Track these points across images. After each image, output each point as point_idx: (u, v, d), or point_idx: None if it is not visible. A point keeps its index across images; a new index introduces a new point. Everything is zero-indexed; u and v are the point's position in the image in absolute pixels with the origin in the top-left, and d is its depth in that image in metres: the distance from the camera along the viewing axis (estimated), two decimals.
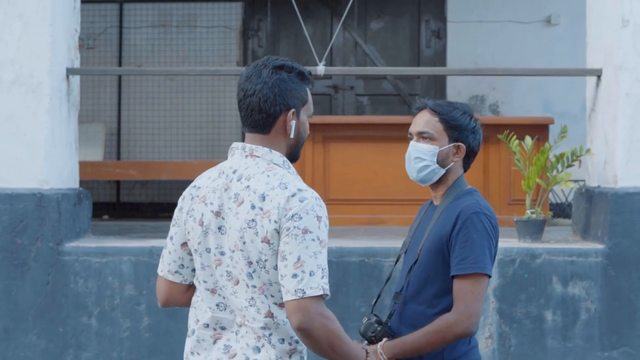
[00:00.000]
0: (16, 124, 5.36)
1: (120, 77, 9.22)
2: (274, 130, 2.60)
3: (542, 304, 5.26)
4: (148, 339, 5.28)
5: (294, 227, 2.43)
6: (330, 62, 9.31)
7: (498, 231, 2.88)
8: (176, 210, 2.72)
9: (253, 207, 2.49)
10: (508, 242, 5.41)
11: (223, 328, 2.59)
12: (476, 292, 2.78)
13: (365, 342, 2.99)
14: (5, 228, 5.27)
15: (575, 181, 5.75)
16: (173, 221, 2.73)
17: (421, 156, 2.96)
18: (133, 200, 9.23)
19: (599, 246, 5.30)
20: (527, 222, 5.45)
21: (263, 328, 2.51)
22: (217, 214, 2.56)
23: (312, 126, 7.40)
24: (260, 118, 2.60)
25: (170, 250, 2.72)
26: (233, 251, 2.53)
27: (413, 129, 3.01)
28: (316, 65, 9.35)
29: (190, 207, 2.64)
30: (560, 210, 8.22)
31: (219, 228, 2.56)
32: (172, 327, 5.27)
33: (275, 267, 2.47)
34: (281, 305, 2.51)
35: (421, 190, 7.18)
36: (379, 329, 2.94)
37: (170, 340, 5.28)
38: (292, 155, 2.66)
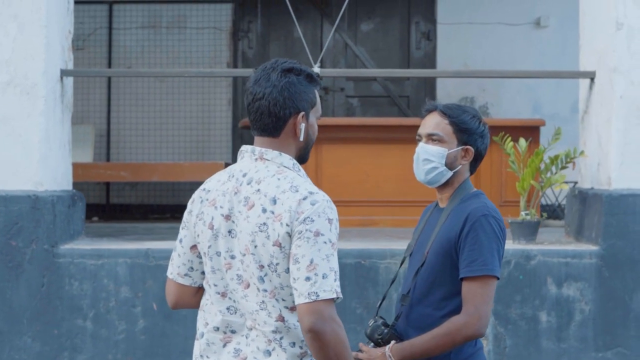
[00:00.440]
0: (11, 126, 5.34)
1: (109, 78, 9.19)
2: (283, 133, 2.60)
3: (536, 305, 5.29)
4: (143, 342, 5.26)
5: (306, 230, 2.43)
6: (320, 65, 9.31)
7: (505, 233, 2.89)
8: (185, 213, 2.71)
9: (264, 210, 2.49)
10: None
11: (233, 332, 2.59)
12: (485, 294, 2.80)
13: (372, 344, 3.00)
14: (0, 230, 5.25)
15: (569, 183, 5.77)
16: (182, 224, 2.72)
17: (430, 158, 2.97)
18: (123, 202, 9.22)
19: (593, 248, 5.34)
20: (521, 223, 5.48)
21: (274, 332, 2.51)
22: (227, 217, 2.56)
23: None
24: (269, 121, 2.59)
25: (179, 253, 2.71)
26: (244, 255, 2.52)
27: (422, 130, 3.02)
28: (309, 67, 9.37)
29: (200, 210, 2.63)
30: (551, 212, 8.27)
31: (229, 231, 2.56)
32: (168, 329, 5.26)
33: (287, 271, 2.47)
34: (292, 309, 2.51)
35: (413, 192, 7.27)
36: (385, 331, 2.95)
37: (166, 342, 5.26)
38: (301, 158, 2.66)
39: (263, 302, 2.51)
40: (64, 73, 5.61)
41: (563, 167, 5.55)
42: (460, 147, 2.97)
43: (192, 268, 2.70)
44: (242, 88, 9.45)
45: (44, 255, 5.26)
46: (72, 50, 5.84)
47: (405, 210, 7.18)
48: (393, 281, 3.20)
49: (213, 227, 2.58)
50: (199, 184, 9.31)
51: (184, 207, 9.33)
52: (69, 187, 5.74)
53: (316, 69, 5.82)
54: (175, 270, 2.72)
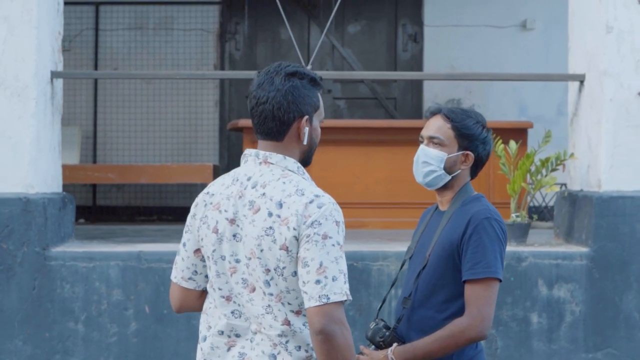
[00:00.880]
0: (1, 128, 5.31)
1: (96, 79, 9.16)
2: (287, 137, 2.61)
3: (527, 307, 5.32)
4: (136, 344, 5.25)
5: (314, 234, 2.43)
6: (311, 66, 9.33)
7: (507, 236, 2.91)
8: (189, 217, 2.71)
9: (270, 214, 2.49)
10: None
11: (238, 335, 2.59)
12: (488, 296, 2.81)
13: (373, 346, 3.01)
14: None
15: (558, 185, 5.81)
16: (186, 228, 2.72)
17: (429, 161, 2.98)
18: (109, 203, 9.19)
19: (584, 249, 5.37)
20: (512, 225, 5.50)
21: (280, 336, 2.52)
22: (232, 221, 2.56)
23: None
24: (273, 125, 2.60)
25: (183, 257, 2.71)
26: (249, 259, 2.53)
27: (425, 132, 3.03)
28: None
29: (204, 214, 2.63)
30: (538, 213, 8.30)
31: (234, 235, 2.56)
32: (160, 332, 5.25)
33: (293, 274, 2.48)
34: (298, 313, 2.52)
35: (402, 194, 7.29)
36: (387, 333, 2.96)
37: (158, 345, 5.25)
38: (305, 161, 2.67)
39: (269, 306, 2.52)
40: (54, 75, 5.58)
41: (553, 170, 5.58)
42: (460, 152, 2.98)
43: (196, 272, 2.70)
44: (229, 90, 9.45)
45: (35, 258, 5.24)
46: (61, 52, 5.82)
47: (395, 212, 7.21)
48: (393, 284, 3.21)
49: (217, 231, 2.58)
50: (186, 186, 9.30)
51: (170, 209, 9.34)
52: (59, 189, 5.72)
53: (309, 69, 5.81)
54: (179, 274, 2.72)
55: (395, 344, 2.92)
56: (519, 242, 5.51)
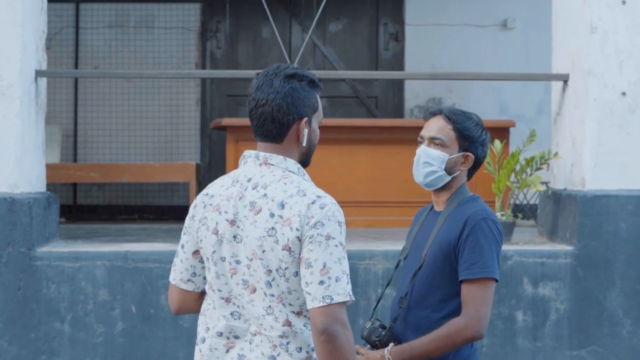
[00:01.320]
0: None
1: (76, 78, 9.10)
2: (286, 139, 2.62)
3: (513, 305, 5.36)
4: (122, 344, 5.23)
5: (317, 235, 2.44)
6: (298, 65, 9.32)
7: (503, 236, 2.94)
8: (187, 219, 2.71)
9: (272, 215, 2.50)
10: None
11: (237, 337, 2.59)
12: (485, 296, 2.84)
13: (369, 346, 3.02)
14: None
15: (545, 183, 5.85)
16: (184, 229, 2.72)
17: (430, 161, 3.00)
18: (90, 202, 9.14)
19: (568, 248, 5.41)
20: None
21: (281, 337, 2.52)
22: (232, 222, 2.56)
23: None
24: (273, 127, 2.61)
25: (182, 259, 2.71)
26: (251, 260, 2.53)
27: (425, 133, 3.05)
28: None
29: (203, 215, 2.63)
30: (519, 212, 8.36)
31: (234, 237, 2.56)
32: (147, 332, 5.24)
33: (295, 275, 2.49)
34: (298, 313, 2.53)
35: (384, 193, 7.31)
36: (383, 333, 2.98)
37: (144, 345, 5.24)
38: (304, 163, 2.68)
39: (270, 307, 2.52)
40: (38, 74, 5.55)
41: (538, 169, 5.62)
42: (461, 153, 3.01)
43: (194, 273, 2.70)
44: (210, 88, 9.42)
45: (21, 258, 5.21)
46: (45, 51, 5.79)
47: (378, 211, 7.23)
48: (388, 284, 3.23)
49: (218, 232, 2.58)
50: (168, 184, 9.27)
51: (152, 207, 9.31)
52: (43, 188, 5.69)
53: None
54: (178, 276, 2.72)
55: (391, 344, 2.94)
56: (504, 240, 5.52)
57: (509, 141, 6.98)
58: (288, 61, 6.61)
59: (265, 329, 2.54)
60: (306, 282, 2.45)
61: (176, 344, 5.23)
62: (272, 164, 2.59)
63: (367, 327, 3.02)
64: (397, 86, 9.38)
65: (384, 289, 3.22)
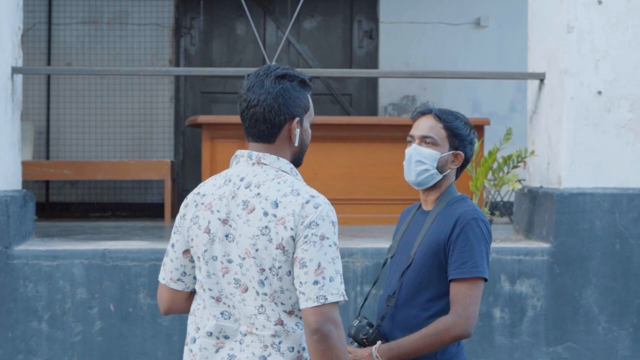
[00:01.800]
0: None
1: (49, 74, 9.03)
2: (278, 139, 2.63)
3: (490, 302, 5.40)
4: (100, 343, 5.21)
5: (312, 235, 2.45)
6: (263, 62, 9.32)
7: (492, 237, 2.96)
8: (178, 218, 2.70)
9: (266, 214, 2.50)
10: None
11: (226, 337, 2.59)
12: (474, 295, 2.86)
13: (356, 344, 3.03)
14: None
15: (519, 181, 5.90)
16: (174, 228, 2.71)
17: (422, 160, 3.02)
18: (63, 200, 9.07)
19: (545, 245, 5.46)
20: None
21: (273, 336, 2.53)
22: (225, 221, 2.57)
23: None
24: (265, 128, 2.61)
25: (172, 258, 2.71)
26: (243, 258, 2.53)
27: (416, 132, 3.06)
28: (251, 64, 9.35)
29: (195, 214, 2.63)
30: (493, 209, 8.42)
31: (227, 235, 2.56)
32: (125, 330, 5.22)
33: (288, 274, 2.49)
34: (290, 313, 2.53)
35: (361, 190, 7.34)
36: (370, 331, 2.99)
37: (123, 343, 5.22)
38: (295, 162, 2.69)
39: (262, 306, 2.53)
40: (15, 70, 5.50)
41: (515, 167, 5.66)
42: (451, 152, 3.03)
43: (184, 273, 2.70)
44: (184, 85, 9.39)
45: None
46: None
47: (354, 209, 7.25)
48: (375, 282, 3.24)
49: (209, 231, 2.59)
50: (142, 182, 9.21)
51: (125, 205, 9.26)
52: (19, 186, 5.65)
53: None
54: (167, 276, 2.72)
55: (379, 342, 2.95)
56: None
57: (484, 139, 7.04)
58: (267, 59, 6.60)
59: (257, 329, 2.54)
60: (300, 282, 2.46)
61: (155, 343, 5.21)
62: (265, 164, 2.60)
63: (355, 325, 3.03)
64: (371, 84, 9.41)
65: (371, 287, 3.23)
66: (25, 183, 8.53)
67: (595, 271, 5.42)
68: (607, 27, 5.46)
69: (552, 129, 5.64)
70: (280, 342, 2.53)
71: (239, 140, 7.36)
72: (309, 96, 2.69)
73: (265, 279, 2.51)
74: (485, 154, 6.33)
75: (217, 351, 2.61)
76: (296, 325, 2.54)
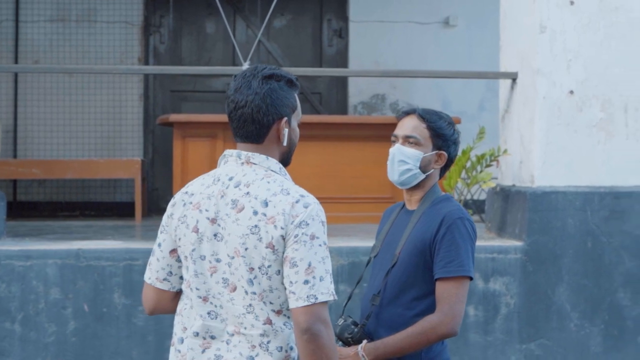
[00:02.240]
0: None
1: (16, 72, 8.93)
2: (267, 139, 2.63)
3: None
4: (74, 344, 5.17)
5: (302, 234, 2.46)
6: (232, 61, 9.30)
7: (477, 236, 2.99)
8: (165, 217, 2.69)
9: (255, 213, 2.50)
10: None
11: (213, 337, 2.59)
12: (460, 294, 2.88)
13: (340, 343, 3.04)
14: None
15: (495, 179, 5.95)
16: (161, 228, 2.70)
17: (405, 160, 3.03)
18: (30, 199, 8.98)
19: (518, 243, 5.51)
20: None
21: (262, 335, 2.53)
22: (213, 220, 2.56)
23: (223, 125, 7.43)
24: (253, 129, 2.61)
25: (158, 258, 2.69)
26: (232, 257, 2.53)
27: (400, 132, 3.08)
28: (221, 62, 9.33)
29: (183, 213, 2.62)
30: (464, 207, 8.47)
31: (215, 235, 2.56)
32: (100, 330, 5.18)
33: (278, 273, 2.49)
34: (278, 312, 2.53)
35: (332, 189, 7.34)
36: (356, 330, 3.00)
37: (97, 344, 5.18)
38: (284, 162, 2.70)
39: (250, 305, 2.53)
40: None
41: (488, 165, 5.70)
42: (434, 152, 3.04)
43: (171, 272, 2.69)
44: (153, 83, 9.34)
45: None
46: None
47: (326, 207, 7.14)
48: (359, 281, 3.25)
49: (198, 231, 2.58)
50: (110, 181, 9.11)
51: (94, 204, 9.17)
52: None
53: (247, 66, 5.81)
54: (153, 275, 2.71)
55: (365, 341, 2.96)
56: None
57: None
58: (241, 58, 6.59)
59: (245, 328, 2.54)
60: (290, 282, 2.46)
61: (129, 343, 5.18)
62: (255, 163, 2.60)
63: (339, 324, 3.04)
64: (341, 82, 9.42)
65: (354, 287, 3.24)
66: None
67: (568, 269, 5.47)
68: (579, 28, 5.52)
69: (525, 128, 5.69)
70: (268, 342, 2.53)
71: (211, 139, 7.35)
72: (296, 95, 2.70)
73: (255, 278, 2.51)
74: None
75: (203, 351, 2.60)
76: (284, 324, 2.54)
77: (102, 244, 5.45)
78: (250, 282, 2.51)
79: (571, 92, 5.51)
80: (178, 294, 2.71)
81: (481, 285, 5.43)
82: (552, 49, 5.51)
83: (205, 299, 2.59)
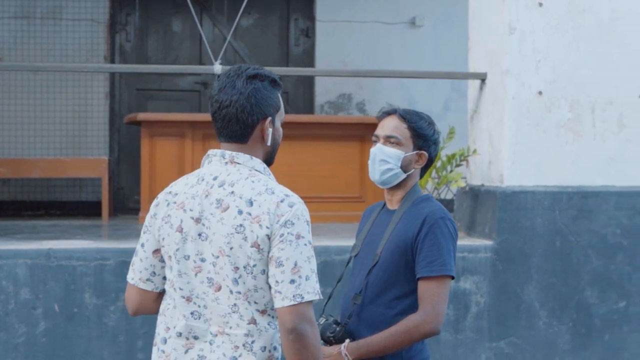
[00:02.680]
0: None
1: None
2: (251, 139, 2.63)
3: None
4: (45, 344, 5.13)
5: (288, 234, 2.46)
6: (199, 59, 9.27)
7: (458, 235, 3.01)
8: (148, 217, 2.68)
9: (240, 212, 2.50)
10: None
11: (196, 337, 2.58)
12: (442, 293, 2.91)
13: (322, 342, 3.05)
14: None
15: (464, 178, 5.99)
16: (144, 228, 2.69)
17: (386, 159, 3.05)
18: None
19: (488, 242, 5.56)
20: None
21: (246, 335, 2.53)
22: (198, 220, 2.56)
23: (192, 124, 7.41)
24: (237, 128, 2.61)
25: (141, 258, 2.69)
26: (217, 257, 2.53)
27: (381, 132, 3.10)
28: (188, 61, 9.29)
29: (166, 213, 2.62)
30: None
31: (199, 234, 2.56)
32: (70, 331, 5.15)
33: (263, 272, 2.50)
34: (263, 312, 2.54)
35: (300, 188, 7.26)
36: (337, 329, 3.01)
37: (67, 344, 5.14)
38: (267, 162, 2.70)
39: (235, 304, 2.53)
40: None
41: (458, 165, 5.75)
42: (415, 152, 3.07)
43: (154, 273, 2.68)
44: (119, 82, 9.28)
45: None
46: None
47: None
48: (339, 280, 3.26)
49: (182, 230, 2.57)
50: (76, 180, 9.02)
51: (59, 203, 9.08)
52: None
53: (217, 66, 5.80)
54: (136, 276, 2.70)
55: (347, 340, 2.97)
56: None
57: None
58: (212, 56, 6.57)
59: (230, 327, 2.53)
60: (276, 281, 2.46)
61: (100, 343, 5.15)
62: (239, 163, 2.60)
63: (321, 323, 3.04)
64: (308, 82, 9.43)
65: (334, 286, 3.25)
66: None
67: (537, 268, 5.53)
68: (547, 29, 5.58)
69: (494, 128, 5.74)
70: (253, 342, 2.53)
71: (179, 138, 7.32)
72: (279, 95, 2.70)
73: (240, 277, 2.51)
74: None
75: (186, 352, 2.60)
76: (269, 324, 2.55)
77: (72, 243, 5.41)
78: (235, 281, 2.51)
79: (540, 92, 5.58)
80: (161, 294, 2.70)
81: (452, 284, 5.45)
82: (521, 50, 5.56)
83: (188, 299, 2.58)
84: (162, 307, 2.68)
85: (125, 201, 9.05)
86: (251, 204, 2.50)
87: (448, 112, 9.29)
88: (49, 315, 5.13)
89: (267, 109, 2.64)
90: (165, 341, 2.64)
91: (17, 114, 8.89)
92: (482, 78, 5.84)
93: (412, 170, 3.07)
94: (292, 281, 2.45)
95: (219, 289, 2.54)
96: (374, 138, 3.13)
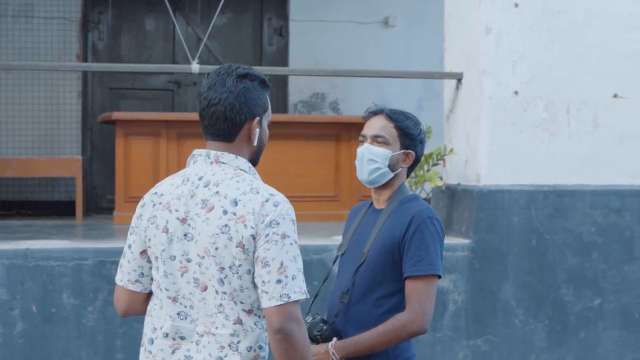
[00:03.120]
0: None
1: None
2: (238, 138, 2.64)
3: None
4: (22, 345, 5.09)
5: (273, 233, 2.47)
6: (172, 58, 9.24)
7: (444, 234, 3.04)
8: (134, 218, 2.67)
9: (225, 212, 2.50)
10: None
11: (182, 338, 2.58)
12: (430, 292, 2.92)
13: (309, 340, 3.06)
14: None
15: (441, 178, 6.03)
16: (131, 229, 2.68)
17: (374, 159, 3.07)
18: None
19: (465, 241, 5.60)
20: None
21: (232, 335, 2.52)
22: (183, 220, 2.56)
23: (167, 123, 7.38)
24: (225, 127, 2.62)
25: (129, 259, 2.68)
26: (203, 257, 2.53)
27: (368, 132, 3.12)
28: (161, 60, 9.26)
29: (152, 214, 2.61)
30: None
31: (185, 235, 2.55)
32: (48, 331, 5.11)
33: (248, 272, 2.50)
34: (249, 312, 2.54)
35: (276, 187, 7.30)
36: (325, 328, 3.02)
37: (45, 345, 5.11)
38: (253, 162, 2.71)
39: (221, 304, 2.53)
40: None
41: (435, 164, 5.78)
42: (402, 151, 3.09)
43: (142, 274, 2.67)
44: (92, 81, 9.22)
45: None
46: None
47: None
48: (325, 279, 3.27)
49: (168, 231, 2.57)
50: (48, 179, 8.97)
51: (31, 202, 9.04)
52: None
53: (195, 65, 5.79)
54: (125, 277, 2.69)
55: (334, 339, 2.98)
56: None
57: None
58: (189, 55, 6.55)
59: (216, 327, 2.53)
60: (263, 281, 2.46)
61: (79, 343, 5.12)
62: (224, 163, 2.60)
63: (308, 321, 3.05)
64: (281, 81, 9.44)
65: (321, 284, 3.26)
66: None
67: (513, 266, 5.58)
68: (523, 30, 5.63)
69: (470, 128, 5.78)
70: (238, 342, 2.53)
71: (154, 137, 7.30)
72: (267, 96, 2.71)
73: (225, 277, 2.51)
74: None
75: (173, 352, 2.60)
76: (255, 324, 2.55)
77: (50, 243, 5.38)
78: (221, 281, 2.51)
79: (516, 92, 5.62)
80: (150, 295, 2.69)
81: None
82: (498, 50, 5.61)
83: (174, 300, 2.58)
84: (149, 307, 2.68)
85: (98, 201, 9.00)
86: (236, 203, 2.50)
87: (422, 112, 9.30)
88: (27, 315, 5.09)
89: (256, 108, 2.65)
90: (152, 342, 2.63)
91: None
92: (459, 78, 5.88)
93: (400, 169, 3.09)
94: (279, 281, 2.45)
95: (205, 289, 2.54)
96: (360, 138, 3.14)
